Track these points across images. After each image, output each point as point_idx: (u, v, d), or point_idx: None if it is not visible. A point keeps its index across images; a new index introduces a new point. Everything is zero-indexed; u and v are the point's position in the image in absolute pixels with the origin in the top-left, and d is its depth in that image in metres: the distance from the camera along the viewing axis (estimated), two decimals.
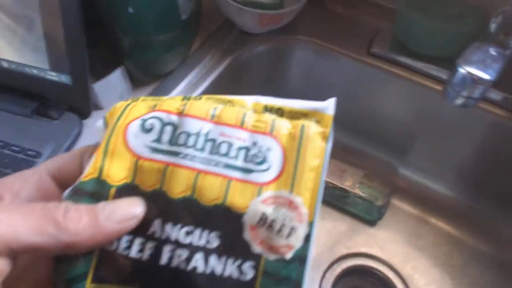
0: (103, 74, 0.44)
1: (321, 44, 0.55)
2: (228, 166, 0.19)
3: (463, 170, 0.57)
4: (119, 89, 0.46)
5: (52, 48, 0.41)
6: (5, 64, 0.43)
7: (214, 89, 0.51)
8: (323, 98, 0.21)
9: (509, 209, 0.55)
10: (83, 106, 0.44)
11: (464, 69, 0.37)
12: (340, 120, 0.62)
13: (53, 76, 0.43)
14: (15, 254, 0.16)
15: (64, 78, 0.42)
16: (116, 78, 0.44)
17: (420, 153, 0.58)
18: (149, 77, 0.49)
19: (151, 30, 0.42)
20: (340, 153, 0.55)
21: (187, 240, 0.18)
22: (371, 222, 0.56)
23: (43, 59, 0.42)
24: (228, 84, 0.54)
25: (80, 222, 0.17)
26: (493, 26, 0.44)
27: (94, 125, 0.21)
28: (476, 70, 0.37)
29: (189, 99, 0.20)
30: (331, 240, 0.55)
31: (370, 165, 0.59)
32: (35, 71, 0.43)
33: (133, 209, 0.18)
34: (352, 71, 0.55)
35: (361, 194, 0.54)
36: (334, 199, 0.56)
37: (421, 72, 0.52)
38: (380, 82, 0.54)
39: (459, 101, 0.39)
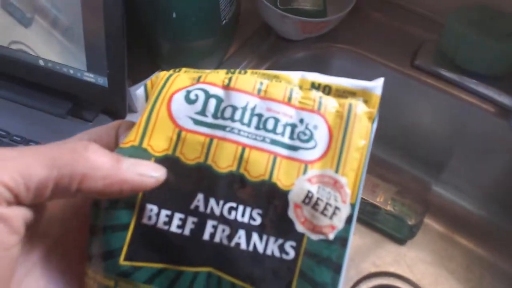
0: (140, 76, 0.43)
1: (362, 54, 0.53)
2: (274, 142, 0.18)
3: (498, 192, 0.55)
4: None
5: (91, 49, 0.40)
6: (41, 63, 0.43)
7: None
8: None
9: None
10: (118, 109, 0.43)
11: None
12: (377, 133, 0.60)
13: (90, 77, 0.42)
14: (33, 196, 0.15)
15: (101, 80, 0.41)
16: None
17: (456, 172, 0.56)
18: None
19: (192, 35, 0.41)
20: (374, 167, 0.53)
21: (230, 216, 0.17)
22: (401, 240, 0.54)
23: (81, 60, 0.41)
24: None
25: (101, 158, 0.16)
26: None
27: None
28: None
29: (234, 72, 0.20)
30: (358, 257, 0.53)
31: (404, 181, 0.57)
32: (71, 71, 0.42)
33: (155, 171, 0.17)
34: (393, 82, 0.53)
35: (392, 211, 0.53)
36: (364, 214, 0.55)
37: (466, 89, 0.49)
38: (422, 96, 0.52)
39: None
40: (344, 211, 0.17)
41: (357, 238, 0.55)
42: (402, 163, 0.59)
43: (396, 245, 0.54)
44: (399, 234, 0.54)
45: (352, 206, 0.18)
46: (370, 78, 0.59)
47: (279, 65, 0.52)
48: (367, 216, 0.55)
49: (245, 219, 0.17)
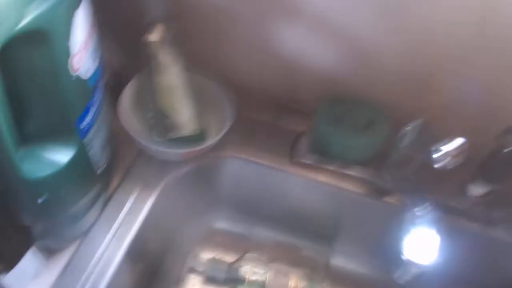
0: (12, 260, 0.37)
1: (245, 158, 0.55)
2: None
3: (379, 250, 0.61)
4: (32, 271, 0.39)
5: None
6: None
7: (148, 229, 0.47)
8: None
9: None
10: None
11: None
12: (275, 220, 0.63)
13: None
14: None
15: None
16: (28, 261, 0.38)
17: (344, 242, 0.62)
18: (68, 242, 0.43)
19: (65, 207, 0.37)
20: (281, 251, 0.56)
21: None
22: None
23: None
24: (163, 216, 0.50)
25: None
26: (401, 139, 0.49)
27: None
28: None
29: None
30: None
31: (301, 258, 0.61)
32: None
33: None
34: (277, 177, 0.56)
35: None
36: None
37: (340, 175, 0.54)
38: (303, 186, 0.56)
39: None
40: None
41: None
42: (297, 242, 0.63)
43: None
44: None
45: None
46: (256, 178, 0.62)
47: (168, 189, 0.51)
48: None
49: None
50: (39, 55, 0.31)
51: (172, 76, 0.50)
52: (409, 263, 0.34)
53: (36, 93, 0.32)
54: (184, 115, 0.50)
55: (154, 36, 0.49)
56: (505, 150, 0.42)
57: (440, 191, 0.50)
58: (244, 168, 0.56)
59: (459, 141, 0.37)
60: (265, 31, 0.53)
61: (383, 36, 0.48)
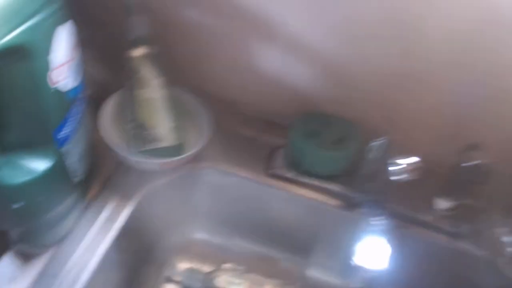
0: None
1: (223, 170, 0.57)
2: None
3: None
4: (7, 275, 0.40)
5: None
6: None
7: (125, 238, 0.49)
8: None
9: None
10: None
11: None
12: (252, 232, 0.64)
13: None
14: None
15: None
16: (4, 265, 0.39)
17: (321, 253, 0.63)
18: (44, 247, 0.44)
19: (41, 213, 0.39)
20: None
21: None
22: None
23: None
24: (140, 225, 0.52)
25: None
26: (368, 154, 0.51)
27: None
28: None
29: None
30: None
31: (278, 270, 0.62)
32: None
33: None
34: (254, 189, 0.58)
35: None
36: None
37: (313, 188, 0.56)
38: (279, 198, 0.58)
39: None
40: None
41: None
42: (274, 253, 0.64)
43: None
44: None
45: None
46: (234, 190, 0.64)
47: (146, 198, 0.53)
48: None
49: None
50: (19, 68, 0.33)
51: (152, 89, 0.52)
52: (358, 268, 0.36)
53: (14, 104, 0.34)
54: (164, 127, 0.52)
55: (137, 52, 0.52)
56: (464, 165, 0.44)
57: (407, 204, 0.52)
58: (223, 180, 0.58)
59: (413, 159, 0.39)
60: (245, 48, 0.56)
61: (354, 60, 0.52)
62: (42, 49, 0.34)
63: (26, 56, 0.33)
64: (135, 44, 0.51)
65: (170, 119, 0.53)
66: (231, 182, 0.58)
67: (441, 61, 0.49)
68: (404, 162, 0.39)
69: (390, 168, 0.39)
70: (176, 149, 0.52)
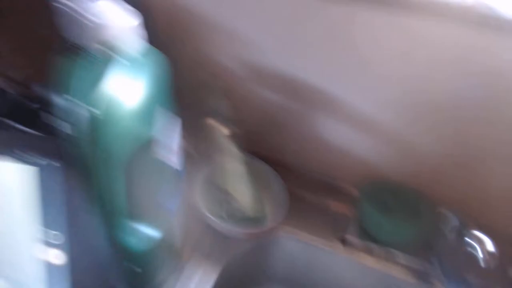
0: None
1: (298, 239, 0.60)
2: None
3: None
4: None
5: None
6: None
7: None
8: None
9: None
10: None
11: None
12: None
13: None
14: None
15: None
16: None
17: None
18: None
19: (154, 276, 0.44)
20: None
21: None
22: None
23: None
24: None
25: None
26: (446, 228, 0.52)
27: None
28: None
29: None
30: None
31: None
32: None
33: None
34: (325, 260, 0.60)
35: None
36: None
37: (388, 260, 0.58)
38: (352, 268, 0.60)
39: None
40: None
41: None
42: None
43: None
44: None
45: None
46: (306, 258, 0.66)
47: (230, 264, 0.57)
48: None
49: None
50: (148, 156, 0.40)
51: (238, 162, 0.59)
52: None
53: (142, 184, 0.41)
54: (248, 198, 0.58)
55: (224, 130, 0.59)
56: None
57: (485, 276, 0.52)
58: (295, 247, 0.61)
59: (489, 245, 0.41)
60: (312, 121, 0.63)
61: (414, 130, 0.56)
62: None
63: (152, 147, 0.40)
64: (220, 121, 0.59)
65: (254, 190, 0.59)
66: (304, 250, 0.61)
67: None
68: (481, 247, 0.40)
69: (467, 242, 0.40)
70: (258, 219, 0.57)
